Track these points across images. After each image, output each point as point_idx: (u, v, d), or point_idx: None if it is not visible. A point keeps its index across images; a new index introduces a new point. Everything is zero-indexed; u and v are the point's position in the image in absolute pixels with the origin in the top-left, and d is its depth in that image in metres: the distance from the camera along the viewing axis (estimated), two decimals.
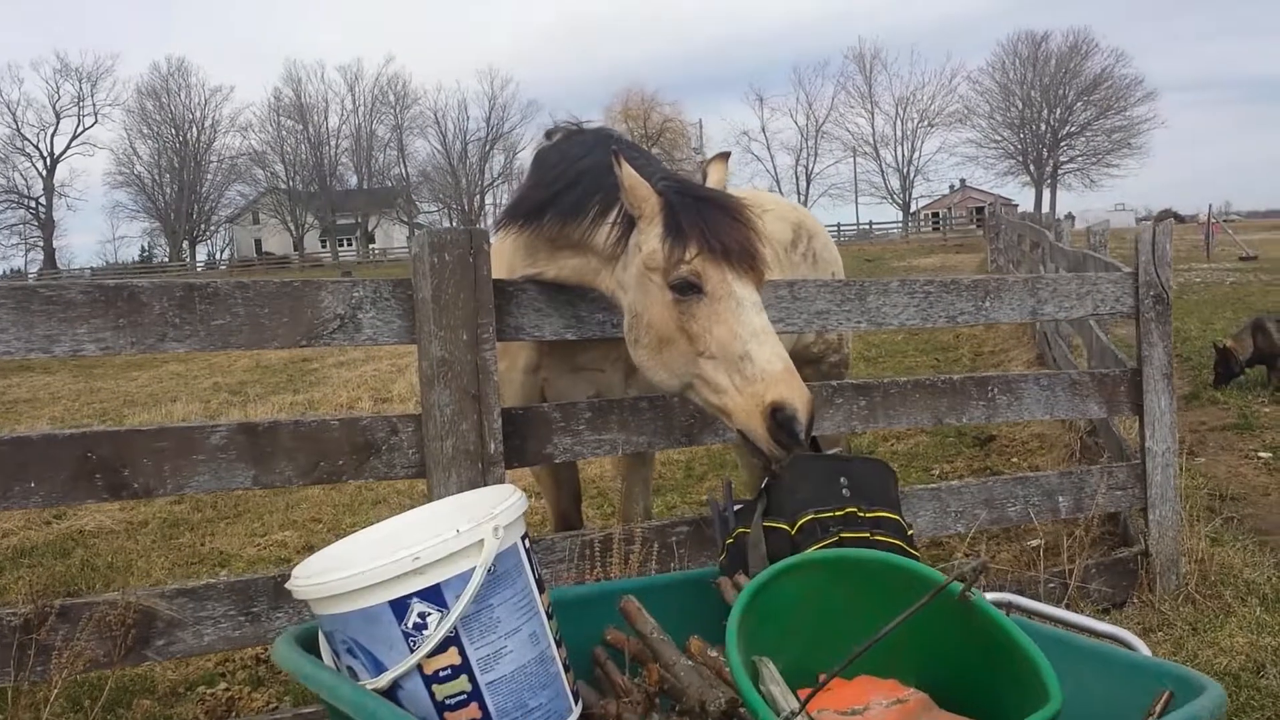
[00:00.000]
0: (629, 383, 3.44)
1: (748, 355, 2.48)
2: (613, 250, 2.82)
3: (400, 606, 1.69)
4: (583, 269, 3.00)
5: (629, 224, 2.78)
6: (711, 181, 3.04)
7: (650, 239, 2.67)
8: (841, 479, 2.36)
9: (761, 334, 2.53)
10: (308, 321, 2.85)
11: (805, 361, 4.54)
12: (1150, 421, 4.22)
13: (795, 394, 2.41)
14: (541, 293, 3.16)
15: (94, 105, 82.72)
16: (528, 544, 1.89)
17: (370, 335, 2.94)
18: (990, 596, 2.11)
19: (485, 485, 2.98)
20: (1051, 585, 4.16)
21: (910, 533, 2.35)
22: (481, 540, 1.70)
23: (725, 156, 3.22)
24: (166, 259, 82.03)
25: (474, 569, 1.69)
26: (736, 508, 2.49)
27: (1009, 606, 2.08)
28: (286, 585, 1.83)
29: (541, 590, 1.88)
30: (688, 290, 2.59)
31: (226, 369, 16.40)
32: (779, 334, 3.68)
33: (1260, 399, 9.10)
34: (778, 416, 2.38)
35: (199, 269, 78.04)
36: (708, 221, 2.62)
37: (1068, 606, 4.09)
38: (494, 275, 3.04)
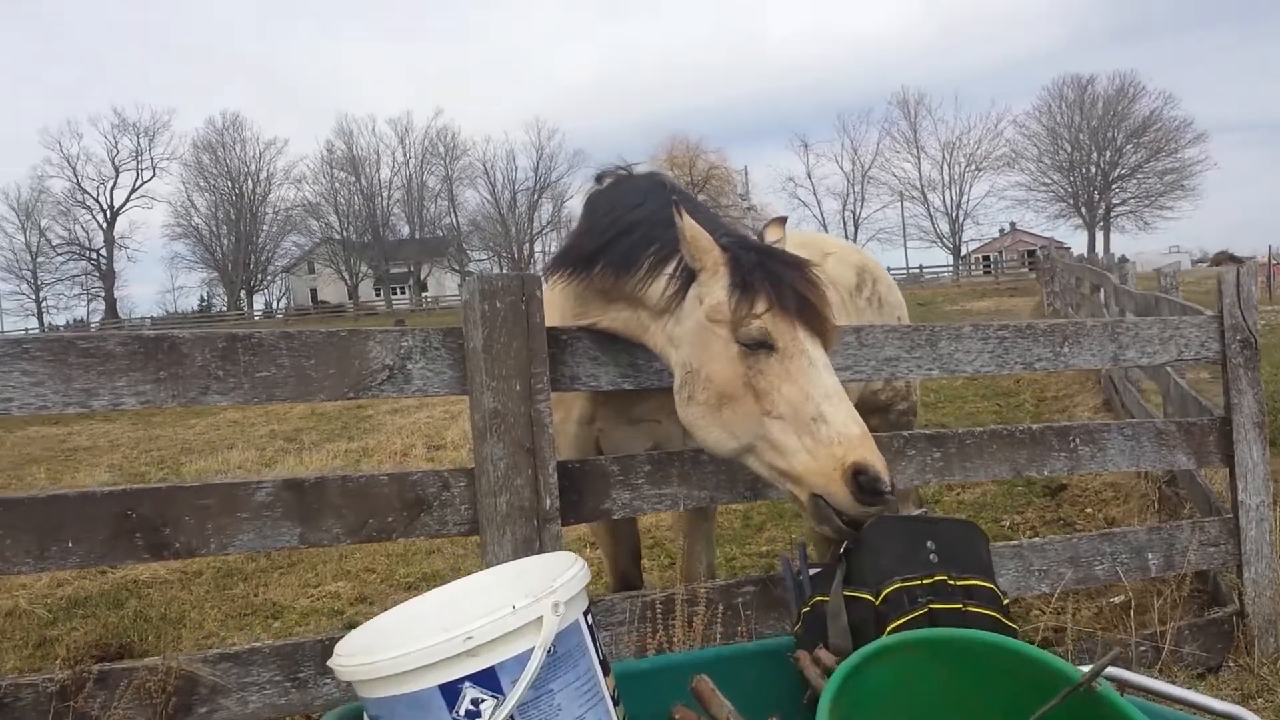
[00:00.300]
0: (688, 434, 3.28)
1: (821, 416, 2.36)
2: (666, 304, 2.69)
3: (451, 692, 1.53)
4: (632, 322, 2.86)
5: (688, 277, 2.65)
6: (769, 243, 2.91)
7: (715, 291, 2.56)
8: (929, 543, 2.17)
9: (835, 395, 2.41)
10: (355, 372, 2.73)
11: (872, 410, 4.35)
12: (1242, 473, 3.97)
13: (876, 457, 2.29)
14: (597, 341, 3.02)
15: (152, 159, 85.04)
16: (591, 620, 1.72)
17: (420, 386, 2.81)
18: (1086, 669, 1.91)
19: (540, 542, 2.83)
20: (1143, 649, 3.90)
21: (1005, 602, 2.15)
22: (540, 618, 1.53)
23: (782, 221, 3.12)
24: (224, 308, 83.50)
25: (532, 650, 1.52)
26: (813, 572, 2.31)
27: (1121, 684, 1.87)
28: (329, 664, 1.68)
29: (606, 672, 1.71)
30: (758, 346, 2.47)
31: (282, 416, 16.45)
32: (846, 382, 3.51)
33: None
34: (860, 479, 2.25)
35: (256, 318, 79.24)
36: (778, 277, 2.52)
37: (1161, 672, 3.84)
38: (547, 323, 2.91)
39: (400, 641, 1.55)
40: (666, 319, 2.71)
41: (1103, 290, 13.36)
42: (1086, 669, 1.76)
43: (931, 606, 2.06)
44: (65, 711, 2.49)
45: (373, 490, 2.76)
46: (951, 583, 2.11)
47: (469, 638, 1.50)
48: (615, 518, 3.14)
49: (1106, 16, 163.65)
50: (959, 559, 2.17)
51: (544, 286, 2.97)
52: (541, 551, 2.83)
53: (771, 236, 2.98)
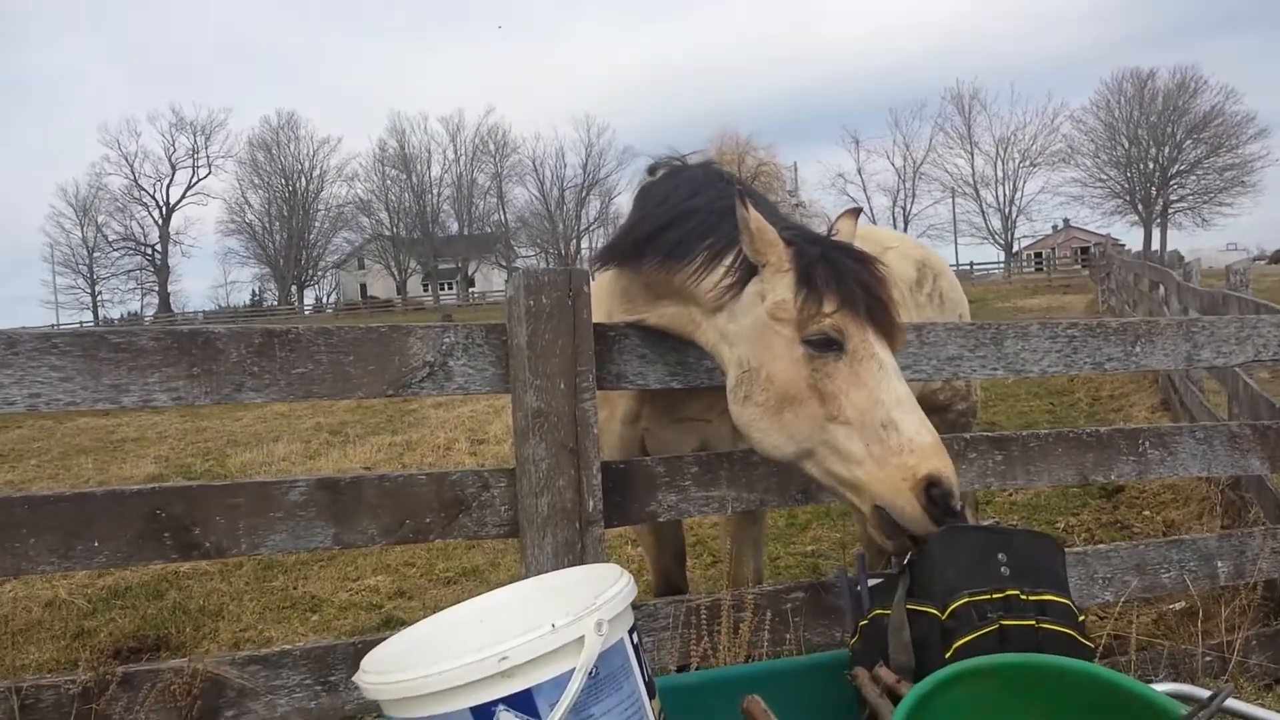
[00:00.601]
0: (738, 434, 3.16)
1: (892, 423, 2.23)
2: (720, 299, 2.55)
3: (484, 715, 1.42)
4: (682, 318, 2.73)
5: (748, 271, 2.51)
6: (838, 238, 2.77)
7: (779, 288, 2.42)
8: (1000, 555, 2.03)
9: (906, 402, 2.29)
10: (395, 369, 2.63)
11: (930, 409, 4.15)
12: None
13: (950, 469, 2.16)
14: (644, 338, 2.90)
15: (208, 157, 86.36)
16: (636, 639, 1.60)
17: (461, 384, 2.70)
18: (1167, 689, 1.76)
19: (583, 545, 2.72)
20: (1208, 659, 3.72)
21: (1081, 619, 2.00)
22: (581, 637, 1.41)
23: (856, 213, 2.93)
24: (276, 303, 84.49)
25: (572, 672, 1.41)
26: (872, 583, 2.17)
27: (1213, 709, 1.72)
28: (355, 680, 1.58)
29: (651, 694, 1.59)
30: (826, 347, 2.34)
31: (328, 409, 16.51)
32: (906, 381, 3.35)
33: None
34: (933, 492, 2.13)
35: (307, 312, 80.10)
36: (846, 274, 2.39)
37: (1228, 683, 3.67)
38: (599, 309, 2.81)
39: (431, 659, 1.43)
40: (720, 315, 2.58)
41: (1162, 288, 13.02)
42: (1176, 694, 1.62)
43: (1002, 623, 1.92)
44: (88, 714, 2.42)
45: (410, 490, 2.67)
46: (1024, 598, 1.97)
47: (504, 658, 1.38)
48: (660, 520, 3.02)
49: (1169, 11, 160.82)
50: (1032, 572, 2.03)
51: (591, 281, 2.85)
52: (583, 555, 2.72)
53: (843, 230, 2.82)
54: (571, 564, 2.69)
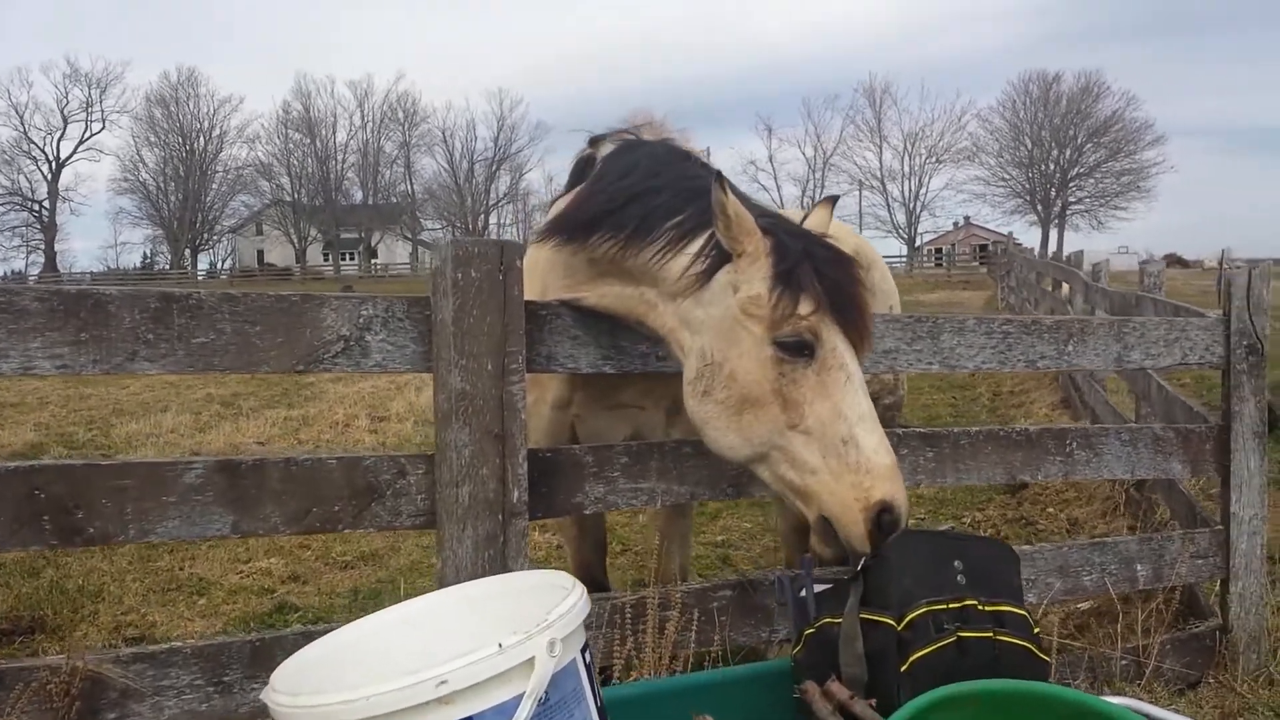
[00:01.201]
0: (671, 423, 3.01)
1: (854, 440, 2.17)
2: (688, 285, 2.39)
3: None
4: (631, 300, 2.56)
5: (720, 258, 2.36)
6: (810, 226, 2.63)
7: (754, 281, 2.29)
8: (956, 562, 1.93)
9: (869, 419, 2.23)
10: (306, 343, 2.41)
11: None
12: (1237, 484, 3.79)
13: (903, 495, 2.14)
14: (578, 319, 2.73)
15: (102, 111, 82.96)
16: (589, 658, 1.44)
17: (379, 361, 2.50)
18: (1123, 703, 1.68)
19: (505, 538, 2.55)
20: (1125, 663, 3.72)
21: (1037, 630, 1.91)
22: (532, 659, 1.25)
23: (832, 202, 2.83)
24: (168, 266, 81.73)
25: (519, 699, 1.24)
26: (819, 589, 2.05)
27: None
28: (263, 698, 1.38)
29: (604, 718, 1.43)
30: (797, 351, 2.25)
31: (220, 380, 15.91)
32: None
33: None
34: (883, 518, 2.09)
35: (200, 277, 77.65)
36: (825, 275, 2.29)
37: (1142, 688, 3.67)
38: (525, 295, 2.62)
39: (354, 680, 1.25)
40: (683, 300, 2.42)
41: (1066, 287, 13.29)
42: (1135, 709, 1.53)
43: (960, 634, 1.82)
44: None
45: (319, 475, 2.46)
46: (981, 608, 1.87)
47: (442, 682, 1.21)
48: (587, 512, 2.87)
49: (1077, 16, 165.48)
50: (989, 581, 1.93)
51: (527, 252, 2.68)
52: (505, 549, 2.55)
53: (815, 219, 2.70)
54: (493, 559, 2.52)
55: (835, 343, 2.27)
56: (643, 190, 2.51)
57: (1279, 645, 3.97)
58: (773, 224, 2.39)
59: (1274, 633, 4.03)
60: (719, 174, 2.30)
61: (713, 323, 2.35)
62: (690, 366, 2.40)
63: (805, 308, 2.24)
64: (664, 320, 2.48)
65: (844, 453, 2.16)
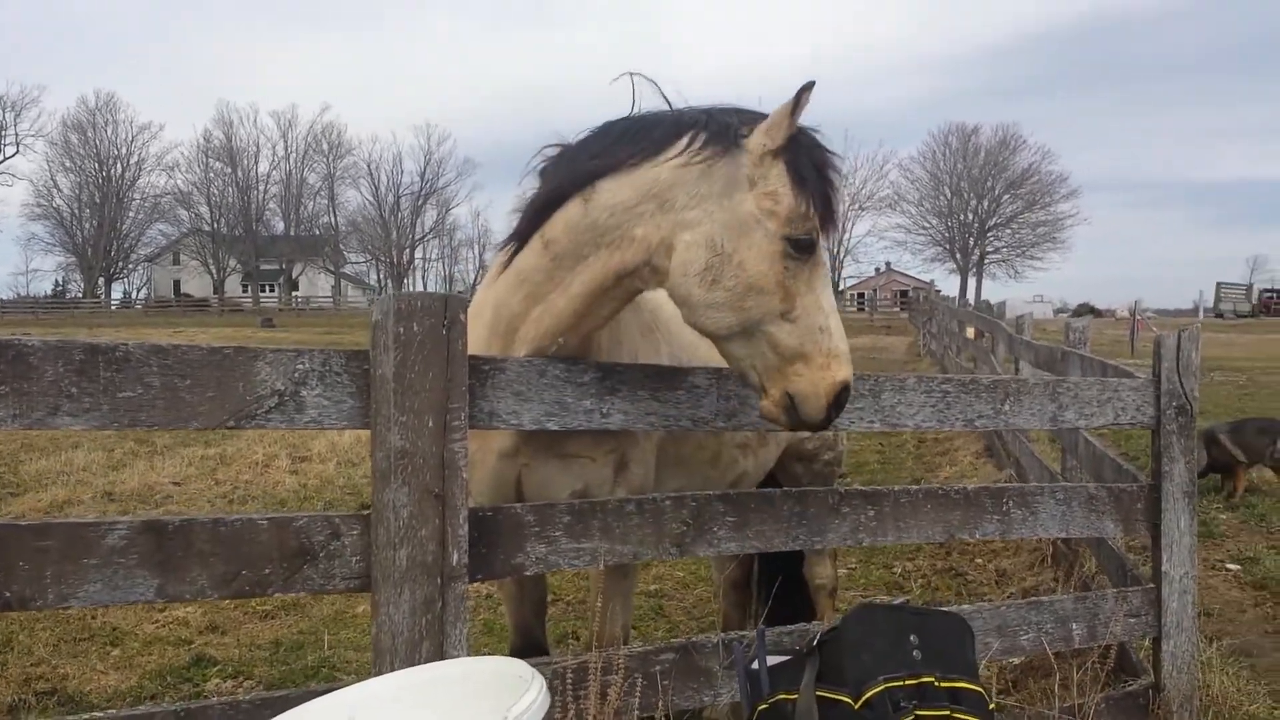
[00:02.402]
0: (618, 479, 2.95)
1: (828, 329, 2.46)
2: (690, 160, 2.48)
3: None
4: (602, 257, 2.59)
5: (726, 139, 2.50)
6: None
7: (771, 178, 2.47)
8: (912, 636, 1.89)
9: (835, 311, 2.52)
10: (239, 397, 2.30)
11: (797, 458, 4.08)
12: (1168, 543, 3.83)
13: (852, 377, 2.50)
14: (522, 372, 2.66)
15: (16, 135, 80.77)
16: None
17: (314, 417, 2.39)
18: None
19: (443, 602, 2.46)
20: None
21: (992, 707, 1.88)
22: None
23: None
24: (81, 295, 79.53)
25: None
26: (773, 662, 2.00)
27: None
28: None
29: None
30: (805, 248, 2.46)
31: None
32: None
33: (1215, 505, 8.88)
34: (840, 396, 2.44)
35: (114, 307, 75.63)
36: (830, 181, 2.52)
37: None
38: (475, 333, 2.59)
39: None
40: (680, 190, 2.51)
41: (988, 336, 13.53)
42: None
43: (917, 714, 1.78)
44: None
45: (248, 536, 2.34)
46: (938, 684, 1.83)
47: None
48: (528, 574, 2.78)
49: (996, 70, 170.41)
50: (945, 656, 1.90)
51: (491, 266, 2.75)
52: (444, 614, 2.46)
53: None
54: (430, 624, 2.43)
55: (823, 243, 2.52)
56: (601, 149, 2.61)
57: (1211, 704, 4.02)
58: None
59: (1204, 690, 4.07)
60: (813, 82, 2.45)
61: (722, 214, 2.48)
62: (696, 259, 2.48)
63: (816, 210, 2.46)
64: (649, 240, 2.53)
65: (819, 339, 2.43)
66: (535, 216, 2.68)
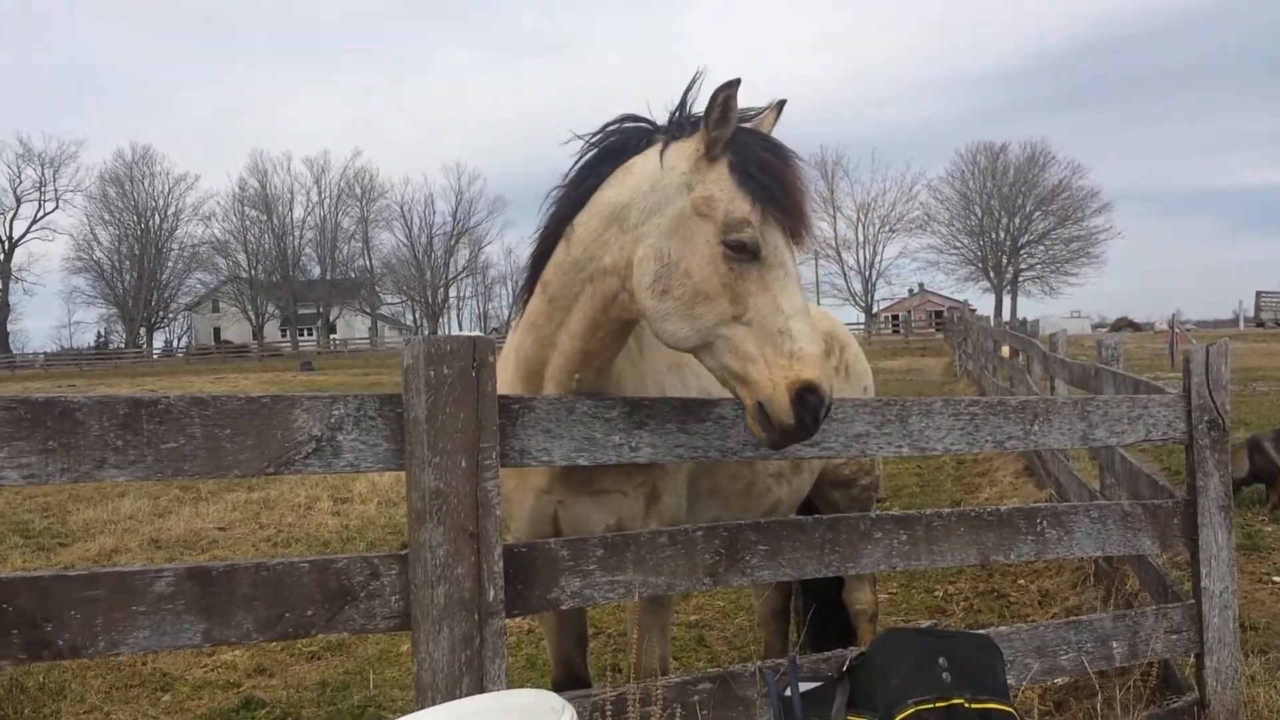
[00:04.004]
0: (650, 512, 3.00)
1: (788, 331, 2.41)
2: (628, 198, 2.59)
3: None
4: (605, 285, 2.67)
5: (659, 160, 2.57)
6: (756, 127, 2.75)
7: (708, 181, 2.50)
8: (941, 659, 1.91)
9: (801, 312, 2.45)
10: (277, 444, 2.38)
11: (834, 484, 4.11)
12: (1206, 559, 3.81)
13: (827, 383, 2.40)
14: (551, 410, 2.72)
15: (55, 190, 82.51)
16: None
17: (351, 461, 2.47)
18: None
19: (481, 638, 2.51)
20: None
21: None
22: None
23: (780, 105, 2.89)
24: (123, 345, 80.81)
25: None
26: (805, 688, 2.03)
27: None
28: None
29: None
30: (743, 250, 2.45)
31: None
32: (815, 459, 3.24)
33: (1260, 517, 8.77)
34: (808, 398, 2.35)
35: (155, 356, 76.76)
36: (777, 179, 2.48)
37: None
38: (504, 376, 2.66)
39: None
40: (635, 223, 2.59)
41: (1023, 355, 13.45)
42: None
43: None
44: None
45: (290, 579, 2.41)
46: (968, 706, 1.85)
47: None
48: (564, 608, 2.83)
49: (1023, 86, 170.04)
50: (975, 678, 1.92)
51: (513, 320, 2.86)
52: (482, 650, 2.51)
53: (766, 122, 2.79)
54: (470, 660, 2.48)
55: (777, 242, 2.46)
56: (577, 181, 2.75)
57: (1257, 718, 3.97)
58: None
59: (1250, 705, 4.03)
60: (738, 80, 2.45)
61: (668, 224, 2.52)
62: (648, 272, 2.53)
63: (755, 214, 2.43)
64: (617, 264, 2.62)
65: (779, 342, 2.39)
66: (533, 266, 2.82)
